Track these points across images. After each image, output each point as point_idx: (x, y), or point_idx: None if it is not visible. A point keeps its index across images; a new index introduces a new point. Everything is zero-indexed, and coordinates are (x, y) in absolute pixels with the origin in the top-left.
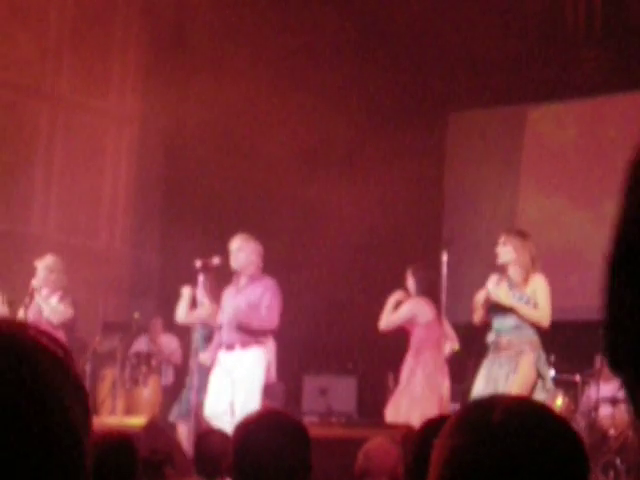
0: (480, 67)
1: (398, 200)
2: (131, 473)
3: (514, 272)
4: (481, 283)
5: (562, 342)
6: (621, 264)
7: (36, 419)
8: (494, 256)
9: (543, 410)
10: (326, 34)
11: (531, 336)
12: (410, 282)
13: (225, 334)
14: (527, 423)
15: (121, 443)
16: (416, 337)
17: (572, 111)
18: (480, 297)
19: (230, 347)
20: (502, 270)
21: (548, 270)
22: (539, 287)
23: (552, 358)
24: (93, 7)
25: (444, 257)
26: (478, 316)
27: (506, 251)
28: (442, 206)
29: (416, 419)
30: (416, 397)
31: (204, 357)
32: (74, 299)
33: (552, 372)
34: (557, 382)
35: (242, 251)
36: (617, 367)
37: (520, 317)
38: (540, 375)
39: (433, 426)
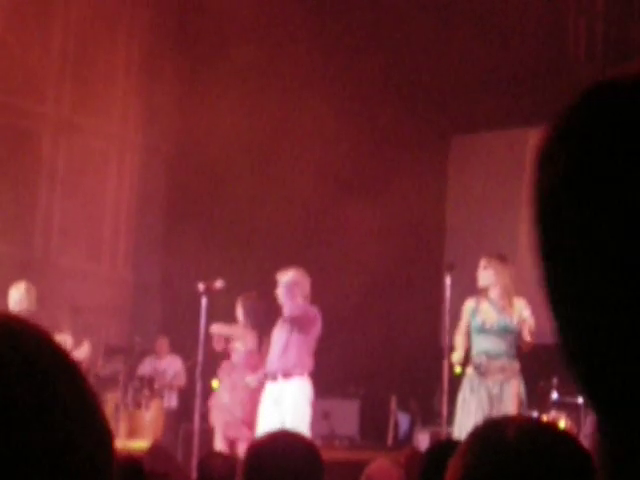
0: (482, 90)
1: (400, 224)
2: None
3: (495, 295)
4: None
5: (564, 364)
6: None
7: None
8: None
9: (555, 429)
10: (333, 60)
11: (516, 363)
12: (239, 311)
13: (269, 364)
14: (540, 442)
15: (130, 465)
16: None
17: None
18: (459, 341)
19: (274, 377)
20: (481, 293)
21: None
22: (526, 310)
23: (555, 380)
24: (95, 31)
25: (447, 280)
26: (458, 357)
27: (487, 275)
28: (444, 229)
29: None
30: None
31: (250, 380)
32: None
33: (555, 395)
34: (560, 405)
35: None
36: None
37: (512, 341)
38: (521, 402)
39: (439, 448)
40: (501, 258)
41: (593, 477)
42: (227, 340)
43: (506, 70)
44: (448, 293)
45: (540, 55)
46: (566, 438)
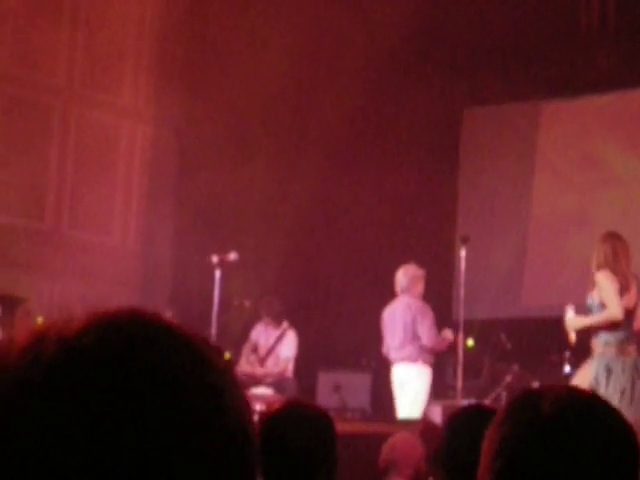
0: (494, 63)
1: (414, 197)
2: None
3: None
4: (496, 279)
5: (578, 337)
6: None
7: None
8: (508, 252)
9: (593, 399)
10: (343, 35)
11: (606, 338)
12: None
13: None
14: (577, 413)
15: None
16: None
17: (586, 107)
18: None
19: None
20: None
21: (564, 268)
22: (600, 286)
23: (567, 354)
24: (107, 3)
25: (462, 253)
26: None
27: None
28: (457, 201)
29: None
30: None
31: None
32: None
33: (567, 367)
34: (572, 377)
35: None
36: None
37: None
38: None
39: (459, 416)
40: (601, 237)
41: (634, 450)
42: None
43: (518, 42)
44: (463, 265)
45: (553, 27)
46: (606, 410)
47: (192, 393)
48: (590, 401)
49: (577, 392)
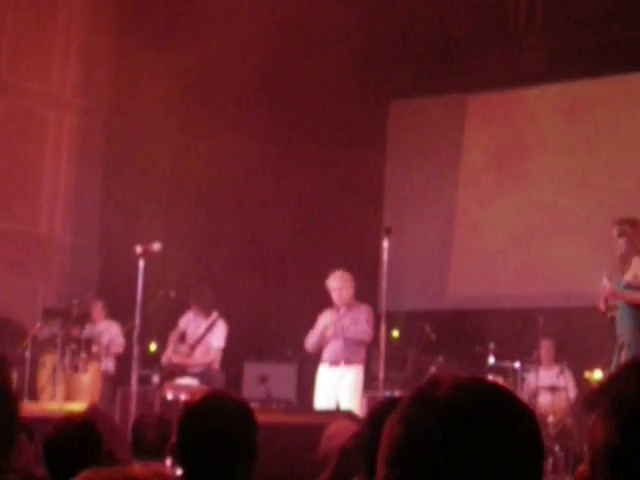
0: (422, 55)
1: (339, 187)
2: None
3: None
4: (421, 270)
5: (502, 329)
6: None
7: None
8: (434, 244)
9: (491, 386)
10: (274, 25)
11: (631, 327)
12: None
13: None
14: (472, 398)
15: (84, 424)
16: None
17: (512, 100)
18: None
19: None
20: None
21: (489, 260)
22: (636, 267)
23: (492, 345)
24: None
25: (385, 244)
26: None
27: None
28: (383, 193)
29: None
30: None
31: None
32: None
33: (492, 359)
34: (496, 369)
35: (345, 289)
36: None
37: (623, 308)
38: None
39: (380, 408)
40: (630, 221)
41: (535, 435)
42: None
43: (446, 35)
44: (386, 256)
45: (480, 22)
46: (505, 396)
47: None
48: (489, 387)
49: (477, 379)
